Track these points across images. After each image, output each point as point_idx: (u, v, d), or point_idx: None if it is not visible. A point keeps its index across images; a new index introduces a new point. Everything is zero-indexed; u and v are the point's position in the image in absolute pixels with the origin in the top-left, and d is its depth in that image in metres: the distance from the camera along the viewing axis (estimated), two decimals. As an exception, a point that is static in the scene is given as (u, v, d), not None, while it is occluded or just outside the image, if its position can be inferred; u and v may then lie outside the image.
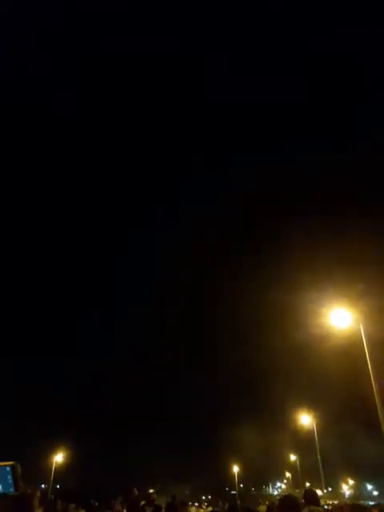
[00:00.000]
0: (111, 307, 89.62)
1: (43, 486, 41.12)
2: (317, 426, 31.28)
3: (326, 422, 33.81)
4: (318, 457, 29.89)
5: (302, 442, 41.26)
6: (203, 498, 59.56)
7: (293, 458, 52.31)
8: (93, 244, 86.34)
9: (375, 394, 12.49)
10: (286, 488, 70.36)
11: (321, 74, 66.22)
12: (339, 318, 13.79)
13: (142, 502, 10.03)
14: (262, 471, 68.31)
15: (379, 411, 12.00)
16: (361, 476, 68.78)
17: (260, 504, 25.27)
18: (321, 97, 66.73)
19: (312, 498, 5.78)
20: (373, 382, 12.69)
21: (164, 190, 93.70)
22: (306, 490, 6.28)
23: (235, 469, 52.80)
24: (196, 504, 31.82)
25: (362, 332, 13.11)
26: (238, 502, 34.11)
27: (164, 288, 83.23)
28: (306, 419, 32.67)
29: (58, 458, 39.96)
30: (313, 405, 33.27)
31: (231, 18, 60.16)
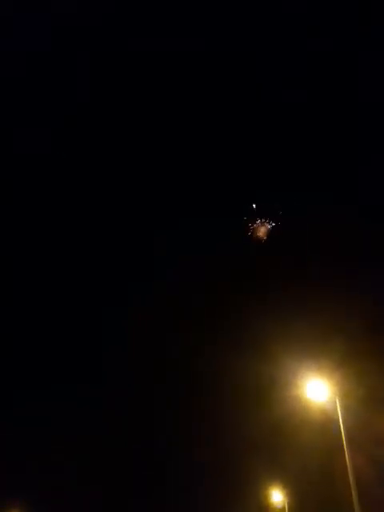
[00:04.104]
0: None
1: None
2: (289, 504, 29.71)
3: (301, 502, 32.09)
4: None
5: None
6: None
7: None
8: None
9: (349, 474, 12.10)
10: None
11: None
12: (316, 390, 13.64)
13: None
14: None
15: (353, 494, 11.55)
16: None
17: None
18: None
19: None
20: (347, 460, 12.35)
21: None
22: None
23: None
24: None
25: (338, 406, 12.96)
26: None
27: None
28: (278, 497, 31.08)
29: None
30: (286, 483, 31.64)
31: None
